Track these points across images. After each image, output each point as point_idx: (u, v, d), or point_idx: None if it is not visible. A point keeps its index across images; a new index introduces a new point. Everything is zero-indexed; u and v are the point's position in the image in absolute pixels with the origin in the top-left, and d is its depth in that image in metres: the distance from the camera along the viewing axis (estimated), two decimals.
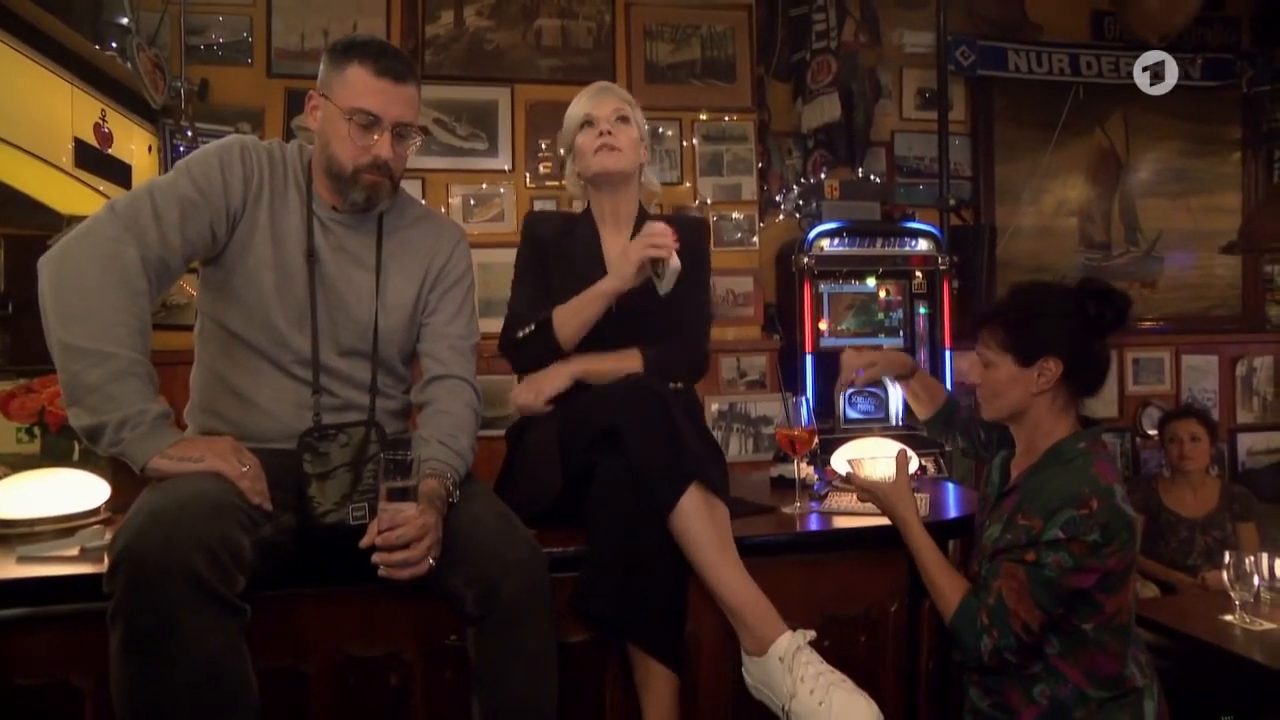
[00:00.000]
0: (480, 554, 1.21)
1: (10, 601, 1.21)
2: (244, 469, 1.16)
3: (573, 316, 1.57)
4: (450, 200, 2.82)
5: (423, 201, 2.45)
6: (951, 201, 3.20)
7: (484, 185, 2.85)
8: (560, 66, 2.89)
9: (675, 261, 1.49)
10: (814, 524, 1.56)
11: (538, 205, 2.86)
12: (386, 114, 1.30)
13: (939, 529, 1.45)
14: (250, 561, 1.09)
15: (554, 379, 1.56)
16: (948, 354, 2.99)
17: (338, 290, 1.36)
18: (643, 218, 1.74)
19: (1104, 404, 3.36)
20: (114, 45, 2.28)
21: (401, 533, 1.14)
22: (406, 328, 1.42)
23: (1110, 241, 3.68)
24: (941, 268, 3.00)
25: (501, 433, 1.69)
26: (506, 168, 2.86)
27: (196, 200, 1.25)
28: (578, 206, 1.81)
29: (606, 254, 1.69)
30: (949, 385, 2.99)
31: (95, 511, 1.54)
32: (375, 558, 1.15)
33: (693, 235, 1.74)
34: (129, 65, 2.25)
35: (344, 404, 1.36)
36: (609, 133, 1.64)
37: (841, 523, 1.57)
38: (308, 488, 1.25)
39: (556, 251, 1.69)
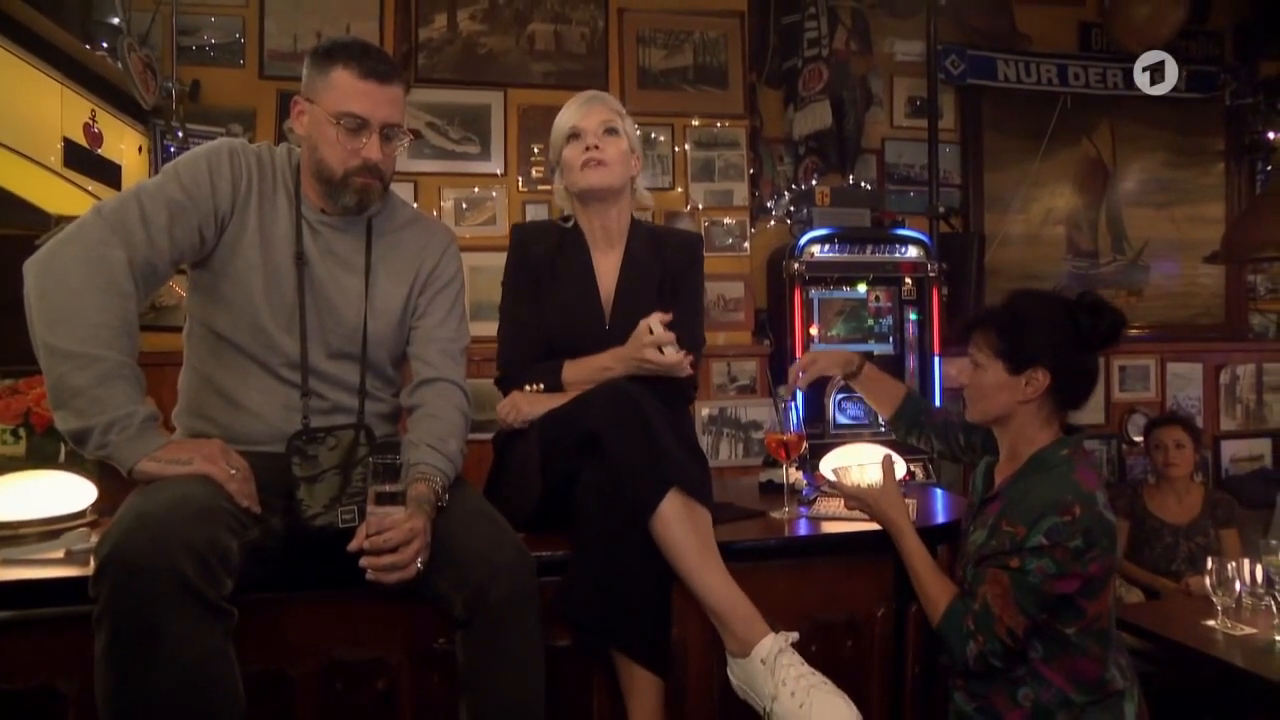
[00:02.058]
0: (468, 558, 1.21)
1: None
2: (232, 472, 1.16)
3: (581, 378, 1.55)
4: (442, 204, 2.82)
5: (414, 205, 2.45)
6: (941, 209, 3.22)
7: (476, 189, 2.85)
8: (553, 71, 2.90)
9: (676, 362, 1.49)
10: (802, 529, 1.57)
11: (530, 209, 2.87)
12: (374, 116, 1.30)
13: (927, 534, 1.46)
14: (238, 565, 1.08)
15: (539, 406, 1.53)
16: (936, 360, 3.02)
17: (326, 293, 1.36)
18: (635, 231, 1.70)
19: (1090, 411, 3.39)
20: (104, 45, 2.28)
21: (389, 537, 1.14)
22: (396, 331, 1.42)
23: (1097, 250, 3.72)
24: (931, 274, 3.03)
25: (489, 437, 1.69)
26: (499, 172, 2.86)
27: (184, 204, 1.25)
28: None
29: (597, 271, 1.66)
30: (938, 391, 3.01)
31: (81, 514, 1.53)
32: (363, 562, 1.15)
33: (689, 255, 1.72)
34: (119, 65, 2.24)
35: (333, 407, 1.36)
36: (596, 147, 1.58)
37: (829, 528, 1.57)
38: (296, 491, 1.24)
39: (548, 270, 1.65)
